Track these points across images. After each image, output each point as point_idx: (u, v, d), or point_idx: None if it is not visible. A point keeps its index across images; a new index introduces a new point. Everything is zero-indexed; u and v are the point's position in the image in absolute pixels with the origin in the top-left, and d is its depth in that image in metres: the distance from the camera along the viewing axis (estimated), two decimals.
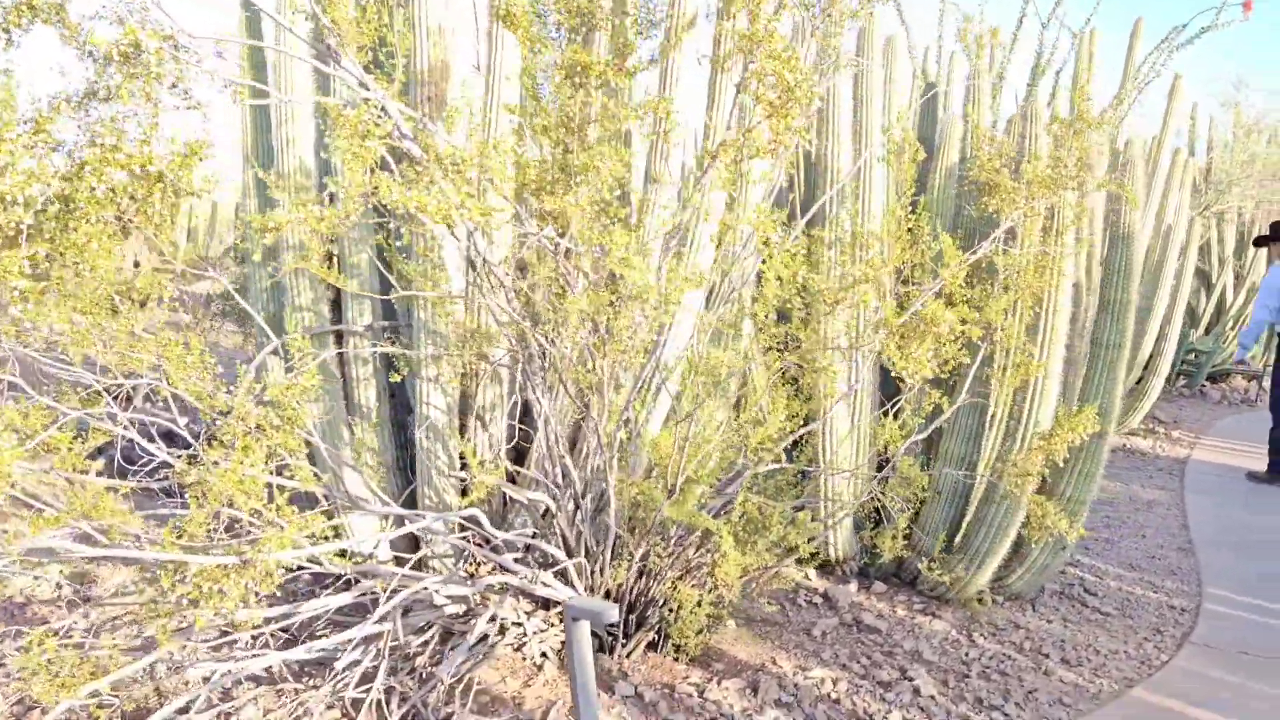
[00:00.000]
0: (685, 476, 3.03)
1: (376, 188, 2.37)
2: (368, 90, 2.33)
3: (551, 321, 2.65)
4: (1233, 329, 14.10)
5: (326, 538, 2.83)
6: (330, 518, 3.44)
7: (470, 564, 3.31)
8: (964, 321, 3.27)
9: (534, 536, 3.53)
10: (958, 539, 4.40)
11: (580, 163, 2.32)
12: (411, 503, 3.74)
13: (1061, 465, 4.30)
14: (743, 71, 2.40)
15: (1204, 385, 13.09)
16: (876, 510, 4.51)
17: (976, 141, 3.87)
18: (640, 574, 3.49)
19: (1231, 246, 15.22)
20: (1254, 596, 4.78)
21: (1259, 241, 8.07)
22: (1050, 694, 3.58)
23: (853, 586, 4.41)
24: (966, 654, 3.86)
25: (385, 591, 2.79)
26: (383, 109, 2.35)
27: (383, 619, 2.85)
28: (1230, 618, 4.52)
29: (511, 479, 3.84)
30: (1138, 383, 8.80)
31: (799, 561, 4.65)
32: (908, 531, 4.54)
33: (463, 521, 2.91)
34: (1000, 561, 4.47)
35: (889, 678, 3.57)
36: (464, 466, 3.76)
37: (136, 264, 13.44)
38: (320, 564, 2.68)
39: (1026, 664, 3.82)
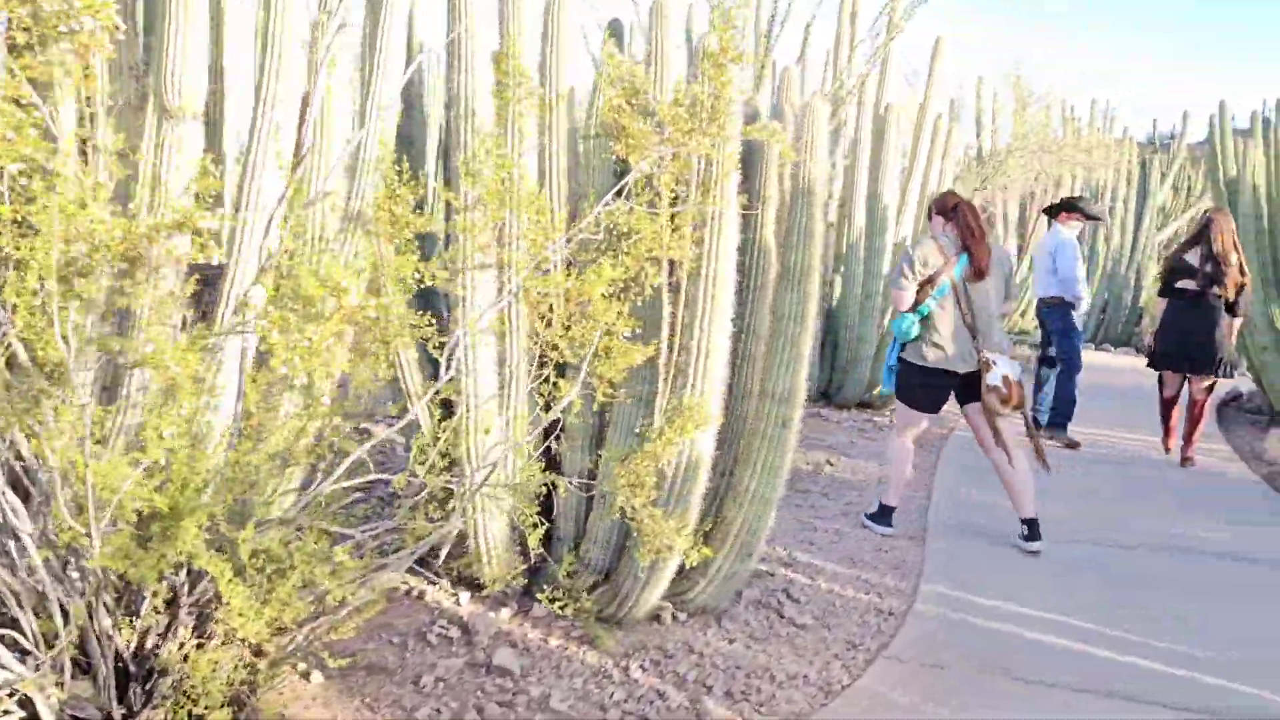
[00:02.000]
0: (141, 505, 2.21)
1: None
2: None
3: None
4: (1016, 299, 14.30)
5: None
6: None
7: None
8: (544, 293, 2.56)
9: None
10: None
11: None
12: None
13: (747, 459, 3.72)
14: None
15: None
16: (547, 519, 3.80)
17: (607, 77, 3.17)
18: (163, 631, 2.65)
19: (1015, 217, 15.49)
20: (973, 591, 4.34)
21: (1049, 210, 8.01)
22: None
23: (505, 612, 3.69)
24: (610, 696, 3.19)
25: None
26: None
27: None
28: (939, 620, 4.04)
29: None
30: None
31: (454, 582, 3.92)
32: (562, 546, 3.86)
33: None
34: (675, 573, 3.86)
35: None
36: None
37: None
38: None
39: (680, 703, 3.19)
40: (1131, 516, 5.70)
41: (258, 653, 2.81)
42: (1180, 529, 5.49)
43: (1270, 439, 8.31)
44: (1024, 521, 4.96)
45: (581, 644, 3.55)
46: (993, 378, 4.74)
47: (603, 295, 2.77)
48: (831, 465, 6.70)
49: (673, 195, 3.10)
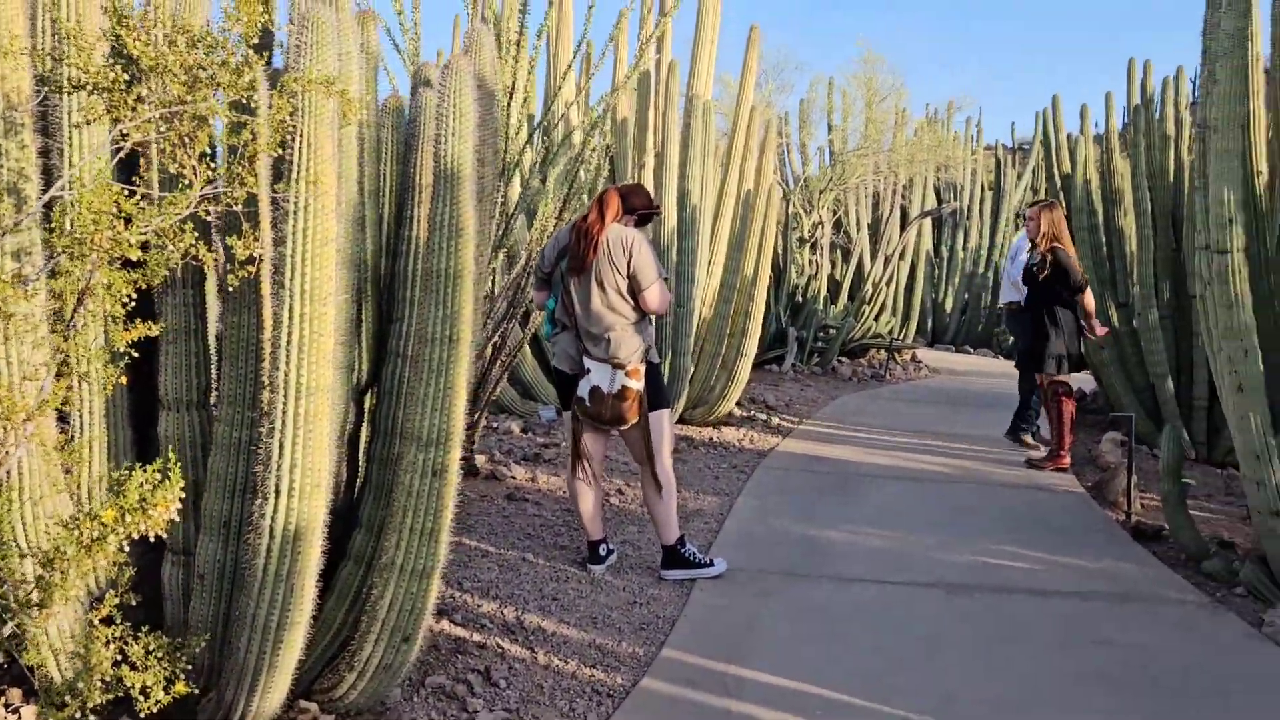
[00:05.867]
0: None
1: None
2: None
3: None
4: (869, 303, 13.91)
5: None
6: None
7: None
8: None
9: None
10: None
11: None
12: None
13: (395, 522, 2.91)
14: None
15: (838, 361, 12.71)
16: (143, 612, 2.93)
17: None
18: None
19: (868, 220, 15.14)
20: (721, 657, 3.63)
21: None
22: None
23: None
24: None
25: None
26: None
27: None
28: (664, 702, 3.30)
29: None
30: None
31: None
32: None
33: None
34: (321, 665, 3.05)
35: None
36: None
37: None
38: None
39: None
40: (928, 546, 5.10)
41: None
42: (979, 558, 4.91)
43: (1105, 442, 7.94)
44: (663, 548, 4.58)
45: None
46: (581, 387, 4.30)
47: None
48: (621, 494, 5.96)
49: (211, 174, 2.27)
